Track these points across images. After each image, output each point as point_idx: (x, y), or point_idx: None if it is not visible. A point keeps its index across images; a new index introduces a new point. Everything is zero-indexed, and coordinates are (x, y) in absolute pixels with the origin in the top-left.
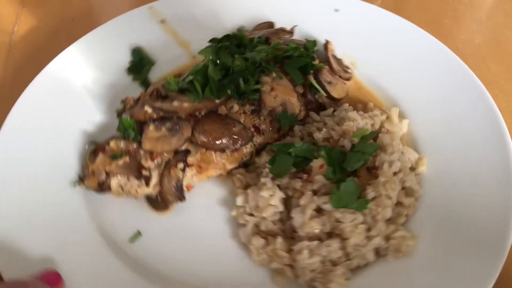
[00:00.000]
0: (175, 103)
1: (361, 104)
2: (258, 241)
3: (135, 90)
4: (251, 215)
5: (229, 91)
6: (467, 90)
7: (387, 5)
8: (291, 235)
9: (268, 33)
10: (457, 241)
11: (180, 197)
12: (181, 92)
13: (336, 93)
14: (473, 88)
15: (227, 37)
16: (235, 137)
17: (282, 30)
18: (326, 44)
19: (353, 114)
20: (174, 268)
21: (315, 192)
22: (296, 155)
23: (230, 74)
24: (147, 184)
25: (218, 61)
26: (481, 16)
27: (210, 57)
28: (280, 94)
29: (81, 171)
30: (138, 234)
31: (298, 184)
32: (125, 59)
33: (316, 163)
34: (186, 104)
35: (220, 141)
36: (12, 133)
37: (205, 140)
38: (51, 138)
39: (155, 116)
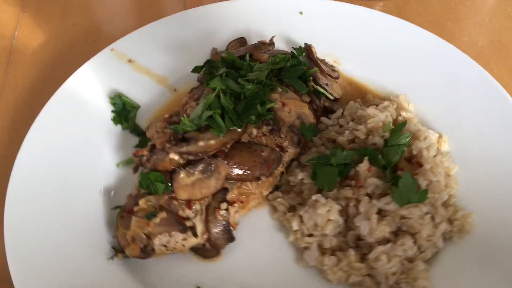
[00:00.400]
0: (201, 143)
1: (359, 98)
2: (330, 260)
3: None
4: (310, 235)
5: (252, 117)
6: (454, 62)
7: (389, 9)
8: (355, 244)
9: (250, 49)
10: (505, 208)
11: (230, 238)
12: (199, 130)
13: (335, 93)
14: (457, 56)
15: (208, 62)
16: (267, 162)
17: (263, 43)
18: (310, 48)
19: (371, 110)
20: None
21: (369, 196)
22: (337, 164)
23: (242, 99)
24: (195, 234)
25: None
26: (483, 18)
27: (220, 87)
28: (293, 107)
29: (116, 241)
30: None
31: (348, 192)
32: (107, 107)
33: (363, 167)
34: (212, 141)
35: (254, 170)
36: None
37: (240, 173)
38: (69, 210)
39: (181, 161)
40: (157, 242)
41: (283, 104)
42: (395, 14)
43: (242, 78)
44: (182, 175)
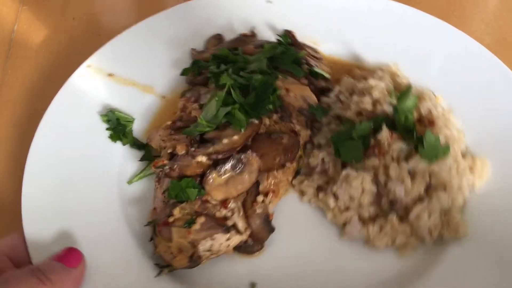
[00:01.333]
0: (226, 141)
1: (348, 74)
2: (373, 228)
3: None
4: (346, 210)
5: (270, 106)
6: (436, 32)
7: None
8: (391, 209)
9: (233, 44)
10: None
11: (271, 229)
12: (217, 129)
13: (326, 73)
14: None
15: (196, 63)
16: (289, 147)
17: (245, 35)
18: (291, 33)
19: (374, 81)
20: None
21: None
22: (358, 136)
23: (251, 91)
24: (238, 231)
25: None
26: (488, 16)
27: (230, 83)
28: (297, 92)
29: (158, 257)
30: (254, 285)
31: (375, 161)
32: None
33: (384, 135)
34: (236, 137)
35: (279, 157)
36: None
37: (267, 163)
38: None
39: (209, 162)
40: (201, 248)
41: (287, 90)
42: None
43: (243, 71)
44: (214, 175)
